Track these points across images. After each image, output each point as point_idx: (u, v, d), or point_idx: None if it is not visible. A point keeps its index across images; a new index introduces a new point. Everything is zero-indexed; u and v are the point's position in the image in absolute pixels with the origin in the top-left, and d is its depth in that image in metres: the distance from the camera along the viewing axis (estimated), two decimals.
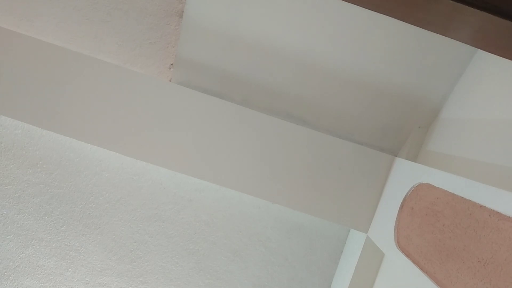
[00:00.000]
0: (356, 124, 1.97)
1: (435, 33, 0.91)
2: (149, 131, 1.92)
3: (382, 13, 0.87)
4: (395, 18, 0.87)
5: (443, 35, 0.91)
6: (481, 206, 1.15)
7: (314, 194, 1.96)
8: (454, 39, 0.91)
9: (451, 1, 0.73)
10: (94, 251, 2.34)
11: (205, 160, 1.94)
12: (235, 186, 1.97)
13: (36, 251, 2.36)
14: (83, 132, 1.93)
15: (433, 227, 1.38)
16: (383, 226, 1.78)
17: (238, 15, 1.79)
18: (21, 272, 2.39)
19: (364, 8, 0.88)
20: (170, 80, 2.03)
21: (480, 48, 0.92)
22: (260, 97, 1.97)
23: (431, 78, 1.81)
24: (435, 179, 1.45)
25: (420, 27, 0.89)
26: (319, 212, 1.97)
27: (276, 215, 2.28)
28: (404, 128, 1.94)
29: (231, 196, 2.26)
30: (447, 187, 1.35)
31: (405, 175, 1.74)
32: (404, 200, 1.65)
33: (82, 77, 1.89)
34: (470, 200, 1.21)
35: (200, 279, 2.36)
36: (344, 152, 1.94)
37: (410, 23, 0.88)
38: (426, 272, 1.34)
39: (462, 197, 1.26)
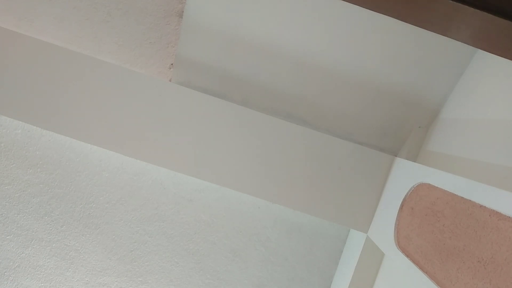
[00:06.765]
0: (356, 124, 1.97)
1: (435, 33, 0.91)
2: (149, 131, 1.92)
3: (382, 13, 0.87)
4: (395, 18, 0.87)
5: (443, 35, 0.91)
6: (481, 206, 1.15)
7: (314, 194, 1.96)
8: (454, 39, 0.91)
9: (451, 1, 0.73)
10: (94, 251, 2.34)
11: (205, 160, 1.94)
12: (235, 186, 1.97)
13: (36, 251, 2.36)
14: (83, 132, 1.92)
15: (433, 227, 1.38)
16: (383, 226, 1.78)
17: (238, 15, 1.79)
18: (21, 272, 2.39)
19: (364, 8, 0.88)
20: (170, 80, 2.03)
21: (480, 48, 0.92)
22: (260, 97, 1.97)
23: (431, 78, 1.81)
24: (435, 179, 1.45)
25: (420, 27, 0.89)
26: (319, 212, 1.97)
27: (276, 215, 2.28)
28: (404, 128, 1.94)
29: (231, 196, 2.25)
30: (447, 187, 1.35)
31: (405, 175, 1.74)
32: (404, 200, 1.65)
33: (82, 77, 1.89)
34: (470, 200, 1.21)
35: (200, 279, 2.36)
36: (344, 152, 1.94)
37: (410, 23, 0.88)
38: (426, 272, 1.34)
39: (462, 197, 1.26)
